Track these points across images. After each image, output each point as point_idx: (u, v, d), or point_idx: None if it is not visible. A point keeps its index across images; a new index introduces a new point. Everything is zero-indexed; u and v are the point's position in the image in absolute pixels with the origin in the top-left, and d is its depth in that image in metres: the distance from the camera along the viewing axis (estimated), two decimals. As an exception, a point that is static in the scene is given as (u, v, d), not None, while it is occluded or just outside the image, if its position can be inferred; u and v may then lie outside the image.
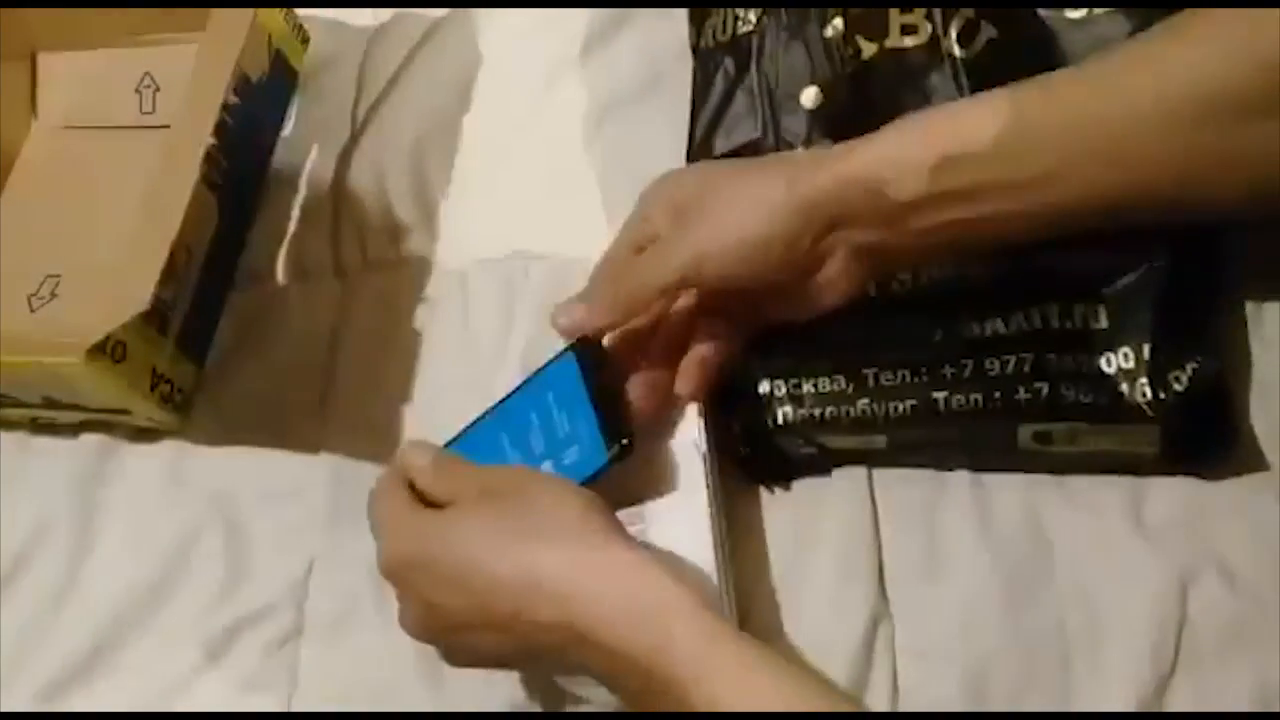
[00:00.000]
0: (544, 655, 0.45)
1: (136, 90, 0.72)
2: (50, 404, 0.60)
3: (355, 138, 0.69)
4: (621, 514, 0.51)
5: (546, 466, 0.50)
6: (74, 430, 0.63)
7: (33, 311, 0.65)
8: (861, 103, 0.56)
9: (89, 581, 0.60)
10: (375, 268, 0.66)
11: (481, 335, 0.62)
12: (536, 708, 0.53)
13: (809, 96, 0.56)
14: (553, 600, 0.43)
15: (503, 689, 0.53)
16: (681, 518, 0.52)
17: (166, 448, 0.62)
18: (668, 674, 0.41)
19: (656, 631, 0.41)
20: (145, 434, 0.63)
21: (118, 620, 0.58)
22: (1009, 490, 0.54)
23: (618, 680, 0.43)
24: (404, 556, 0.47)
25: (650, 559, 0.44)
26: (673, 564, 0.46)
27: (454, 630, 0.46)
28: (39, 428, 0.64)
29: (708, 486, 0.52)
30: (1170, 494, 0.52)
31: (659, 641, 0.41)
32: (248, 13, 0.62)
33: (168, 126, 0.68)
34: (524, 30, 0.70)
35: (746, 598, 0.53)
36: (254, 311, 0.65)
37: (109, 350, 0.56)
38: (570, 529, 0.44)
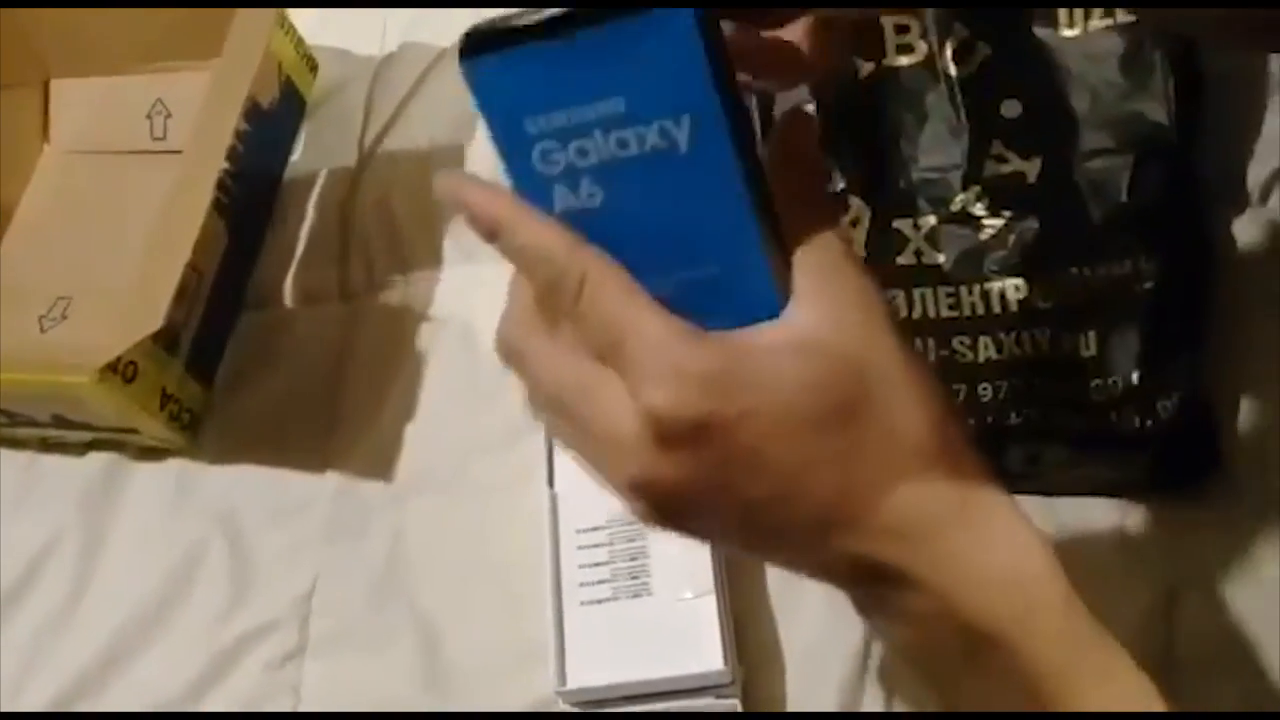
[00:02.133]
0: (830, 578, 0.35)
1: (148, 116, 0.74)
2: (60, 423, 0.61)
3: (362, 164, 0.71)
4: (615, 515, 0.52)
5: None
6: (82, 449, 0.64)
7: (43, 332, 0.66)
8: (858, 121, 0.57)
9: (95, 598, 0.60)
10: (381, 290, 0.67)
11: (484, 356, 0.63)
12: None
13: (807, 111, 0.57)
14: (899, 540, 0.32)
15: (510, 694, 0.54)
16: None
17: (173, 466, 0.63)
18: (1031, 652, 0.32)
19: (1026, 605, 0.33)
20: (152, 453, 0.64)
21: (123, 636, 0.59)
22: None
23: (939, 635, 0.34)
24: (692, 412, 0.31)
25: (1020, 513, 0.34)
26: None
27: (714, 512, 0.33)
28: (48, 446, 0.65)
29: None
30: (1156, 516, 0.53)
31: (1025, 618, 0.33)
32: (261, 41, 0.64)
33: (179, 152, 0.71)
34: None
35: (744, 609, 0.54)
36: (262, 333, 0.66)
37: (120, 370, 0.57)
38: (927, 451, 0.33)
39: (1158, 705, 0.32)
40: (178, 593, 0.60)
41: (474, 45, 0.31)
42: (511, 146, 0.31)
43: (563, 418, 0.33)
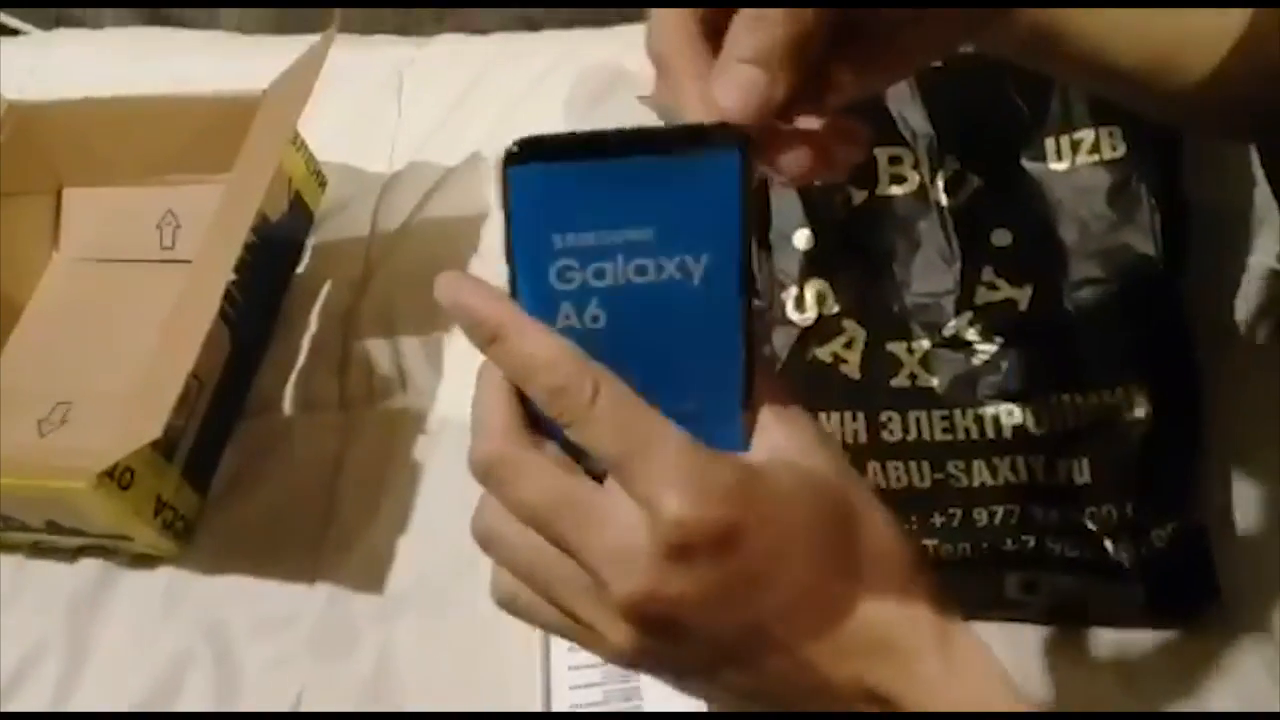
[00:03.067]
0: (822, 697, 0.34)
1: (158, 226, 0.75)
2: (53, 528, 0.61)
3: (367, 277, 0.72)
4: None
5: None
6: (73, 555, 0.64)
7: (42, 436, 0.66)
8: (852, 245, 0.58)
9: (79, 705, 0.59)
10: (380, 401, 0.68)
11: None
12: None
13: (801, 238, 0.59)
14: (887, 659, 0.33)
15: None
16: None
17: (163, 575, 0.63)
18: None
19: None
20: (143, 560, 0.63)
21: (103, 749, 0.58)
22: (997, 641, 0.54)
23: None
24: (721, 518, 0.31)
25: (983, 644, 0.35)
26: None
27: (718, 652, 0.33)
28: (39, 551, 0.64)
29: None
30: (1155, 647, 0.53)
31: None
32: (274, 158, 0.65)
33: (187, 261, 0.72)
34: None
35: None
36: (260, 440, 0.67)
37: (116, 476, 0.57)
38: (913, 569, 0.34)
39: None
40: (163, 704, 0.59)
41: (523, 153, 0.31)
42: (530, 258, 0.32)
43: (547, 538, 0.32)
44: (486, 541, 0.34)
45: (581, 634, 0.33)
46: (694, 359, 0.33)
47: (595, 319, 0.32)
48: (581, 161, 0.31)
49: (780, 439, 0.33)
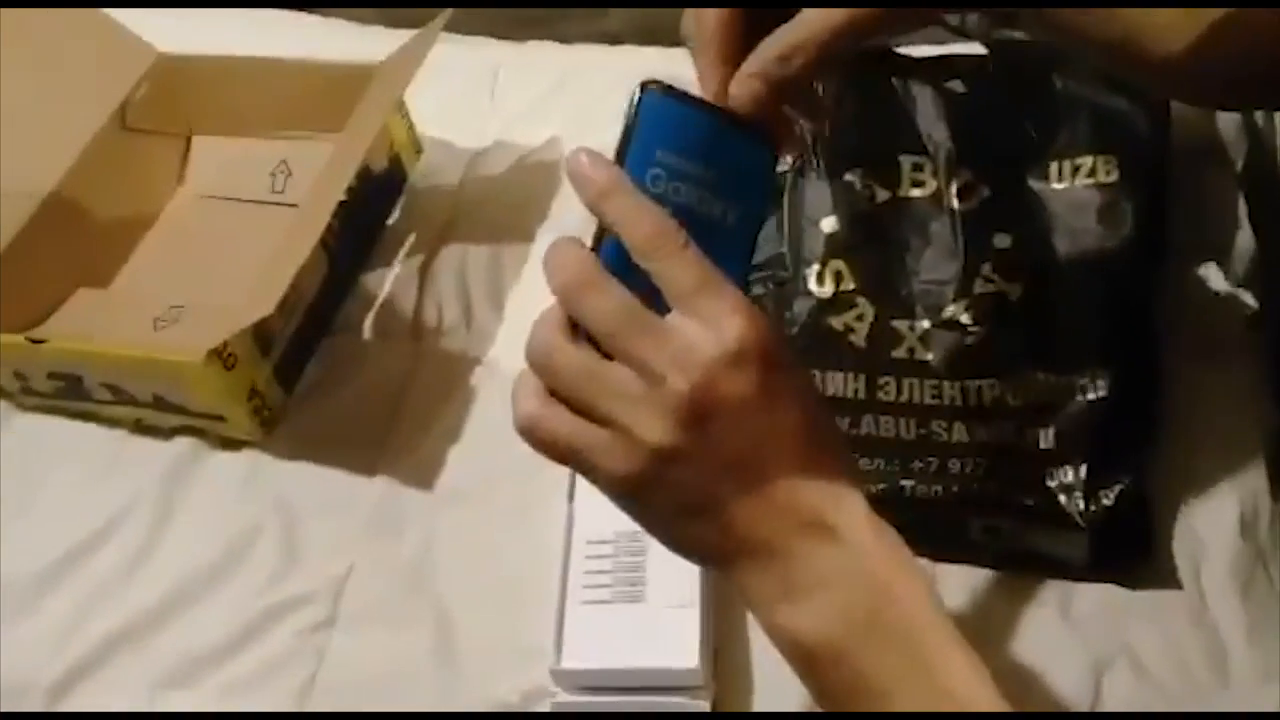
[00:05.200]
0: (782, 521, 0.41)
1: (271, 173, 0.86)
2: (158, 403, 0.71)
3: (447, 232, 0.82)
4: (623, 531, 0.60)
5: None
6: (169, 434, 0.74)
7: (156, 331, 0.76)
8: (872, 235, 0.67)
9: (160, 555, 0.69)
10: (446, 335, 0.77)
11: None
12: (542, 700, 0.60)
13: (828, 224, 0.68)
14: (837, 496, 0.41)
15: (510, 679, 0.61)
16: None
17: (246, 457, 0.72)
18: (919, 601, 0.41)
19: (909, 562, 0.41)
20: (230, 444, 0.73)
21: (179, 590, 0.67)
22: (958, 578, 0.62)
23: (851, 596, 0.41)
24: (770, 344, 0.40)
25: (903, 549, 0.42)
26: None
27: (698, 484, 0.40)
28: (140, 428, 0.74)
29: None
30: (1094, 595, 0.61)
31: (914, 571, 0.41)
32: (382, 116, 0.76)
33: (293, 205, 0.83)
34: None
35: (722, 632, 0.61)
36: (340, 356, 0.77)
37: (224, 357, 0.67)
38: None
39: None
40: (231, 562, 0.68)
41: (656, 85, 0.43)
42: (637, 159, 0.42)
43: (611, 347, 0.40)
44: (544, 354, 0.41)
45: (603, 444, 0.40)
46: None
47: None
48: (697, 107, 0.43)
49: None
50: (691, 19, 0.47)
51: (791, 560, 0.41)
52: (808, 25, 0.44)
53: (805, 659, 0.42)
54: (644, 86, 0.42)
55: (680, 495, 0.41)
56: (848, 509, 0.41)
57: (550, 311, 0.42)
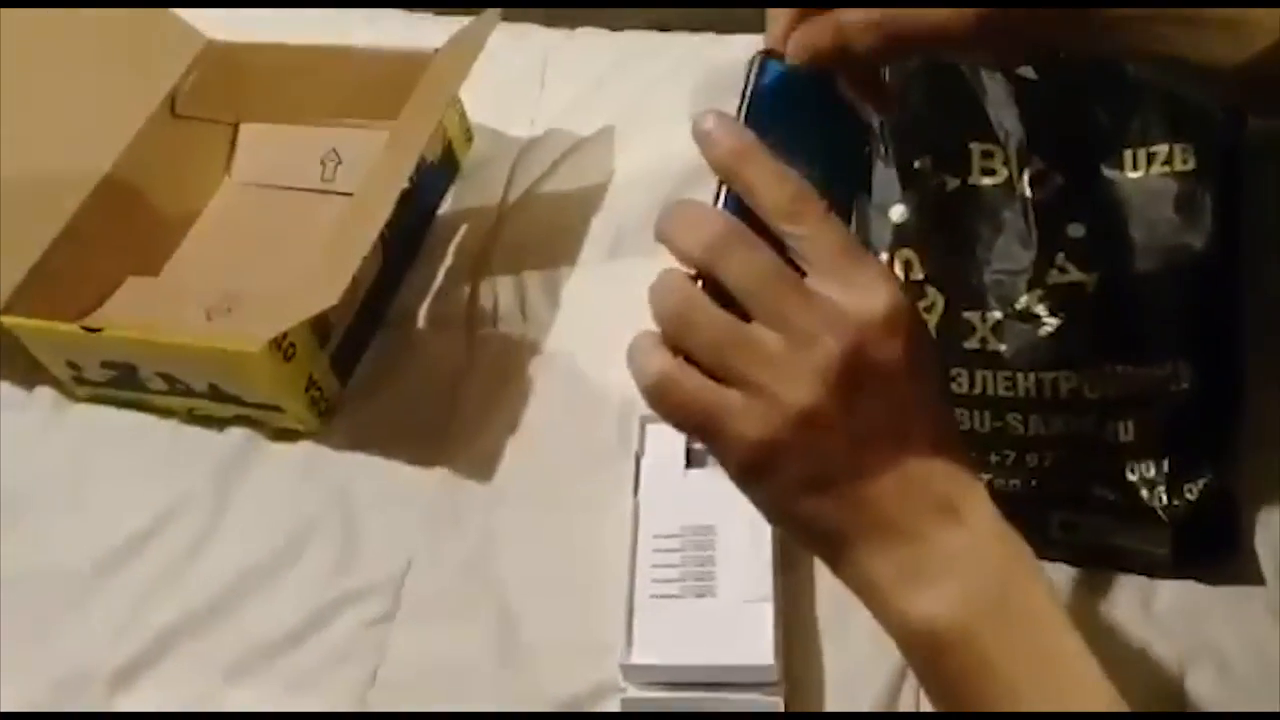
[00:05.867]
0: (912, 502, 0.40)
1: (321, 161, 0.85)
2: (213, 392, 0.70)
3: (501, 222, 0.81)
4: (689, 525, 0.59)
5: None
6: (223, 424, 0.73)
7: (209, 320, 0.75)
8: (941, 224, 0.66)
9: (217, 549, 0.68)
10: (501, 325, 0.76)
11: (585, 389, 0.72)
12: (610, 696, 0.59)
13: (896, 212, 0.66)
14: (961, 478, 0.40)
15: (576, 674, 0.60)
16: (747, 540, 0.60)
17: (302, 448, 0.71)
18: (1045, 586, 0.40)
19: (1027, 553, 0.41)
20: (285, 435, 0.72)
21: (236, 584, 0.66)
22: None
23: (979, 578, 0.40)
24: (915, 315, 0.40)
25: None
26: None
27: (831, 465, 0.39)
28: (194, 418, 0.73)
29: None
30: (1175, 592, 0.59)
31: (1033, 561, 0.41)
32: (440, 108, 0.75)
33: (344, 194, 0.82)
34: (654, 153, 0.82)
35: (794, 629, 0.60)
36: (395, 348, 0.76)
37: (283, 348, 0.66)
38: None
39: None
40: (290, 554, 0.67)
41: (775, 54, 0.43)
42: (755, 129, 0.41)
43: (756, 305, 0.38)
44: (681, 314, 0.39)
45: (738, 409, 0.38)
46: None
47: None
48: (807, 80, 0.43)
49: None
50: None
51: (921, 542, 0.40)
52: (893, 15, 0.42)
53: (929, 644, 0.40)
54: (764, 54, 0.43)
55: (814, 465, 0.39)
56: (975, 494, 0.41)
57: (675, 271, 0.40)
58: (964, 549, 0.40)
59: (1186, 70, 0.49)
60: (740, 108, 0.42)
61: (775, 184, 0.39)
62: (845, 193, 0.43)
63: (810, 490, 0.40)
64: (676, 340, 0.40)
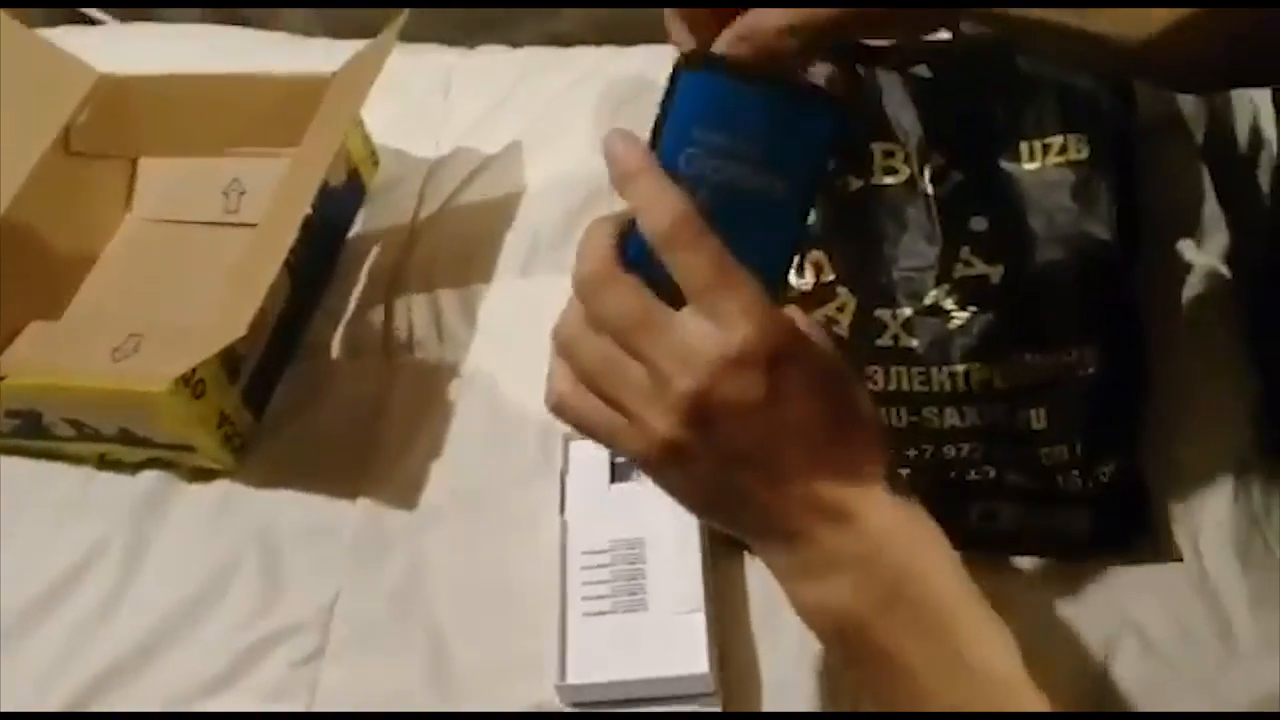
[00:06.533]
0: (801, 514, 0.41)
1: (224, 192, 0.83)
2: (124, 437, 0.68)
3: (412, 243, 0.80)
4: (618, 539, 0.60)
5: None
6: (136, 468, 0.71)
7: (115, 362, 0.73)
8: (848, 225, 0.67)
9: (136, 595, 0.66)
10: (418, 350, 0.75)
11: (506, 410, 0.71)
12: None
13: (805, 216, 0.67)
14: (856, 481, 0.42)
15: (511, 698, 0.60)
16: (675, 550, 0.60)
17: (218, 487, 0.70)
18: (940, 582, 0.41)
19: (933, 543, 0.43)
20: (200, 475, 0.70)
21: (158, 630, 0.64)
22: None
23: (869, 575, 0.41)
24: (778, 346, 0.40)
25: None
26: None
27: (746, 455, 0.41)
28: (105, 464, 0.71)
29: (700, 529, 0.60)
30: (1097, 574, 0.61)
31: (932, 552, 0.42)
32: (341, 131, 0.74)
33: (249, 225, 0.81)
34: (563, 166, 0.82)
35: (727, 637, 0.60)
36: (309, 379, 0.74)
37: (191, 385, 0.65)
38: (879, 432, 0.44)
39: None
40: (212, 594, 0.66)
41: (692, 60, 0.41)
42: (671, 141, 0.41)
43: (623, 344, 0.40)
44: (567, 343, 0.42)
45: (622, 429, 0.41)
46: (753, 251, 0.41)
47: (701, 201, 0.41)
48: (734, 77, 0.40)
49: (805, 322, 0.44)
50: None
51: (810, 544, 0.42)
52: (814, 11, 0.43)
53: (830, 631, 0.43)
54: (681, 61, 0.41)
55: (692, 484, 0.42)
56: (869, 495, 0.42)
57: (573, 300, 0.42)
58: (854, 549, 0.41)
59: (1087, 46, 0.51)
60: (656, 120, 0.41)
61: (654, 207, 0.40)
62: (798, 182, 0.42)
63: (700, 500, 0.44)
64: (566, 362, 0.43)
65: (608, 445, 0.43)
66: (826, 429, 0.41)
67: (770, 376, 0.40)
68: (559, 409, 0.43)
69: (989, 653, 0.41)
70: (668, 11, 0.48)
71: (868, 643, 0.42)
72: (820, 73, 0.47)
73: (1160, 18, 0.49)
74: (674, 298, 0.41)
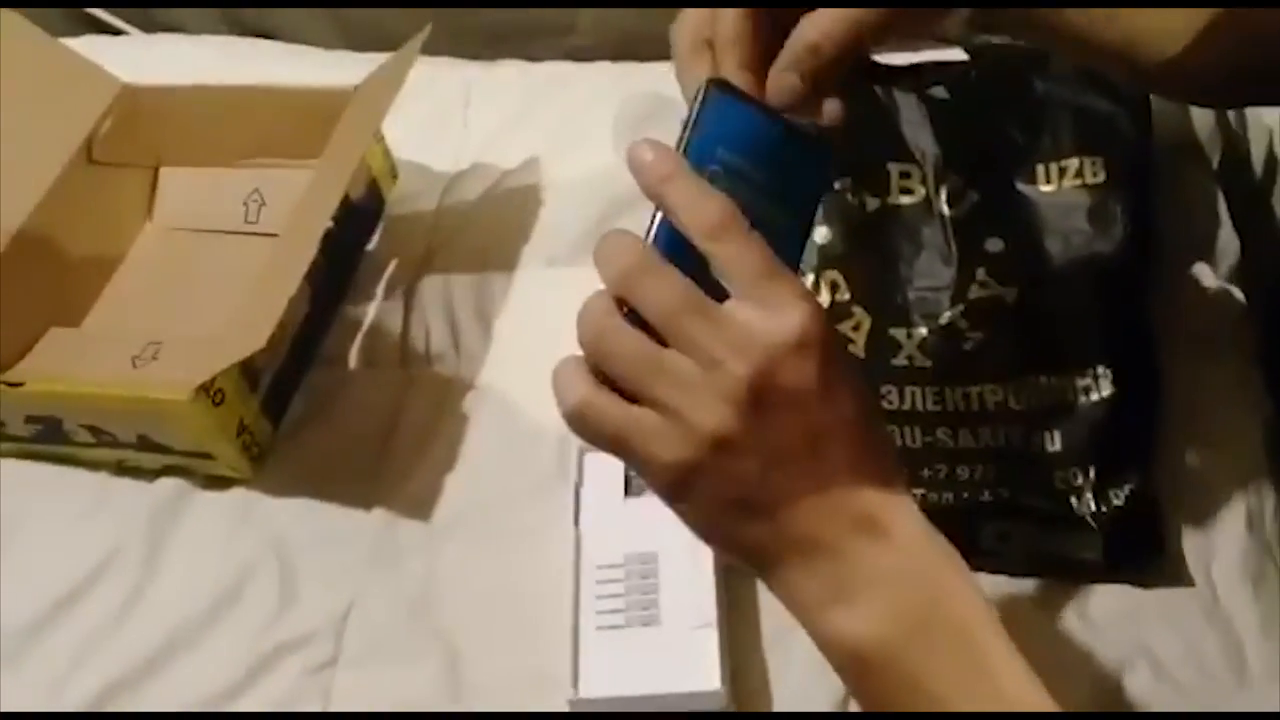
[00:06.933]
0: (832, 522, 0.40)
1: (244, 203, 0.84)
2: (142, 443, 0.69)
3: (429, 257, 0.81)
4: (632, 553, 0.60)
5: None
6: (153, 475, 0.72)
7: (135, 369, 0.74)
8: (864, 244, 0.67)
9: (151, 601, 0.66)
10: (434, 362, 0.76)
11: (521, 423, 0.71)
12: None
13: (821, 234, 0.68)
14: (887, 491, 0.41)
15: (523, 710, 0.60)
16: (689, 565, 0.60)
17: (235, 495, 0.70)
18: (972, 598, 0.41)
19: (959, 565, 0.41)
20: (217, 482, 0.71)
21: (173, 637, 0.65)
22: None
23: (904, 596, 0.40)
24: (831, 336, 0.40)
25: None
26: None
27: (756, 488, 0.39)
28: (122, 470, 0.72)
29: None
30: (1109, 597, 0.61)
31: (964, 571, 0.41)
32: (363, 144, 0.75)
33: (268, 234, 0.81)
34: (580, 181, 0.83)
35: (739, 654, 0.60)
36: (327, 389, 0.75)
37: (211, 394, 0.65)
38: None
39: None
40: (228, 603, 0.66)
41: (721, 85, 0.43)
42: (696, 157, 0.42)
43: (669, 332, 0.39)
44: (597, 338, 0.40)
45: (657, 431, 0.39)
46: None
47: None
48: (755, 108, 0.43)
49: None
50: (681, 25, 0.48)
51: (844, 560, 0.40)
52: (829, 17, 0.44)
53: (857, 663, 0.41)
54: (710, 84, 0.42)
55: (733, 488, 0.40)
56: (900, 509, 0.41)
57: (599, 297, 0.40)
58: (888, 566, 0.40)
59: (1126, 59, 0.51)
60: (682, 135, 0.42)
61: (698, 204, 0.40)
62: (798, 219, 0.43)
63: (732, 511, 0.40)
64: (596, 364, 0.40)
65: (633, 455, 0.40)
66: (865, 434, 0.41)
67: (825, 366, 0.39)
68: (579, 416, 0.40)
69: (1020, 682, 0.40)
70: (684, 47, 0.47)
71: (898, 669, 0.40)
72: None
73: (1186, 22, 0.49)
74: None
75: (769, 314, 0.39)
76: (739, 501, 0.40)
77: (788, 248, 0.42)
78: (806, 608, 0.41)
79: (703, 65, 0.46)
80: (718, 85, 0.43)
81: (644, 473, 0.41)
